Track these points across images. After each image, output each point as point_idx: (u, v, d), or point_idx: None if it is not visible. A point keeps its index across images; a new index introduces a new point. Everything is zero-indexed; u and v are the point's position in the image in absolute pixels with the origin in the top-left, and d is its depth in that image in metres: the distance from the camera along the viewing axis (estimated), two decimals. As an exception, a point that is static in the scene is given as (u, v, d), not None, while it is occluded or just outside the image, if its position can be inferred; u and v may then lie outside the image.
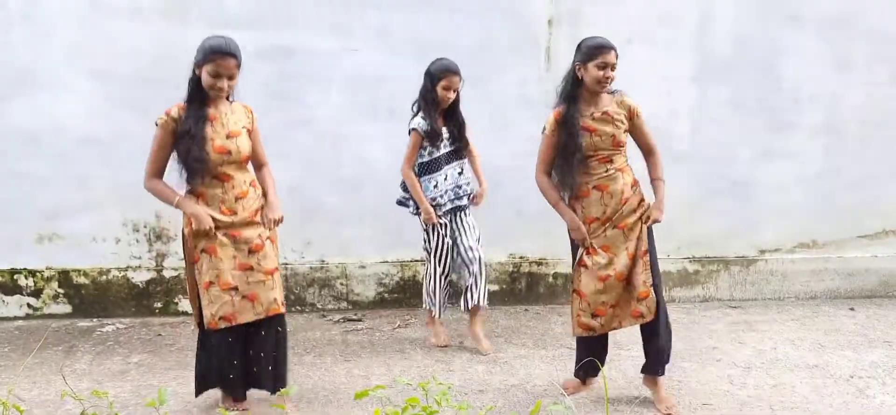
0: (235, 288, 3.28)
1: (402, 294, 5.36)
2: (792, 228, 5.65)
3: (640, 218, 3.47)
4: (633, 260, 3.46)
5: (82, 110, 4.93)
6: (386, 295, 5.34)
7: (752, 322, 5.04)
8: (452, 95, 4.26)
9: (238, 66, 3.23)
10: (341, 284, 5.33)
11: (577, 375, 3.77)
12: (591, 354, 3.55)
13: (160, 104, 4.86)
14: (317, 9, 5.01)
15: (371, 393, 2.26)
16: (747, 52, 5.38)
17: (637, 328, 3.63)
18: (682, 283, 5.59)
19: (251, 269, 3.30)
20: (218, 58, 3.16)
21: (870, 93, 5.50)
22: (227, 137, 3.28)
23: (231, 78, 3.22)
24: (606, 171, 3.45)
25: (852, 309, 5.38)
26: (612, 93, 3.51)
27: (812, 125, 5.51)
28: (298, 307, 5.29)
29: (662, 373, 3.59)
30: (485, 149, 5.18)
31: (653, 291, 3.47)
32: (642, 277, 3.45)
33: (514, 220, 5.35)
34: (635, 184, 3.52)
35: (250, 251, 3.31)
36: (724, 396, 3.77)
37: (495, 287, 5.43)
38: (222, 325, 3.29)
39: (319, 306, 5.32)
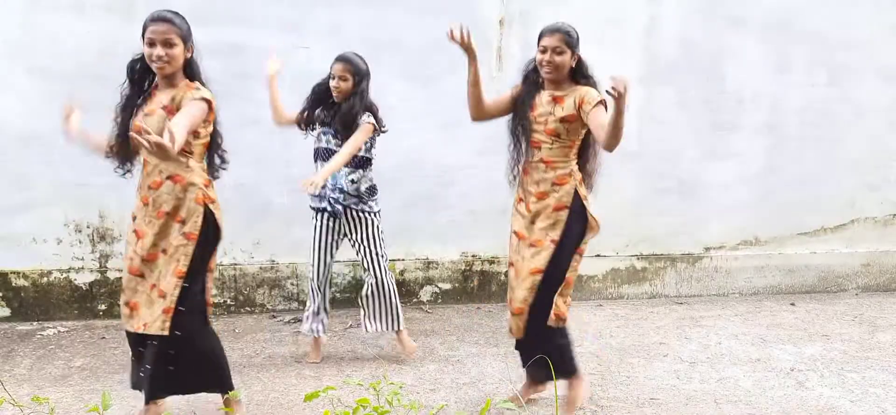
0: (123, 290, 3.10)
1: (354, 294, 5.33)
2: (735, 225, 5.81)
3: (546, 231, 3.26)
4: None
5: (22, 107, 4.77)
6: (337, 295, 5.31)
7: (697, 318, 5.17)
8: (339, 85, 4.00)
9: (179, 35, 2.93)
10: (292, 284, 5.27)
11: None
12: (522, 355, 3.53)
13: (104, 101, 4.76)
14: (267, 5, 4.95)
15: (322, 394, 2.24)
16: (692, 54, 5.50)
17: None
18: (630, 279, 5.70)
19: (142, 276, 3.06)
20: (151, 24, 2.91)
21: (809, 94, 5.69)
22: (145, 115, 3.00)
23: (167, 44, 2.90)
24: (532, 156, 3.31)
25: (793, 304, 5.56)
26: (583, 83, 3.30)
27: (754, 125, 5.68)
28: (248, 308, 5.22)
29: (541, 382, 3.52)
30: (436, 148, 5.22)
31: (527, 312, 3.29)
32: (520, 293, 3.30)
33: (466, 219, 5.38)
34: (559, 184, 3.26)
35: (144, 260, 3.04)
36: (671, 390, 3.85)
37: (448, 286, 5.45)
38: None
39: (269, 307, 5.26)
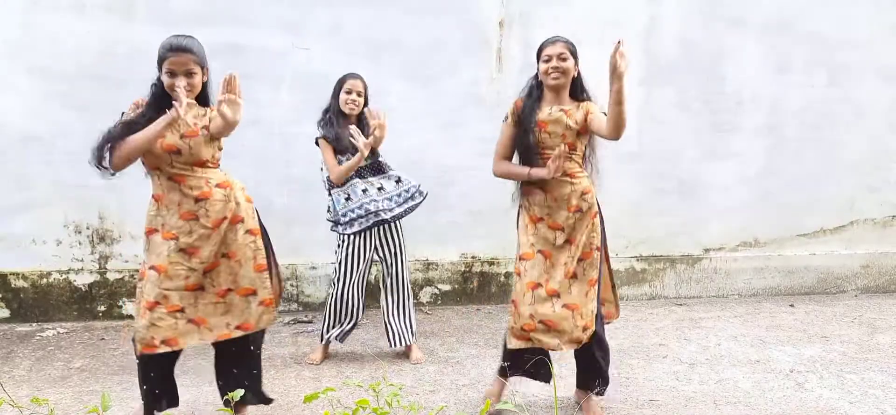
0: (182, 310, 2.99)
1: (354, 295, 5.33)
2: (735, 226, 5.81)
3: (590, 241, 3.27)
4: (571, 279, 3.24)
5: (22, 108, 4.77)
6: (337, 296, 5.31)
7: (696, 319, 5.17)
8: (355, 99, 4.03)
9: (197, 62, 2.96)
10: (291, 285, 5.27)
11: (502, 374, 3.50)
12: (517, 361, 3.39)
13: (103, 101, 4.77)
14: (267, 6, 4.95)
15: (321, 395, 2.24)
16: (692, 55, 5.51)
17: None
18: (629, 281, 5.70)
19: (202, 289, 3.03)
20: (170, 55, 2.91)
21: (808, 95, 5.70)
22: (182, 136, 2.95)
23: (189, 74, 2.92)
24: None
25: (792, 305, 5.56)
26: (583, 99, 3.31)
27: (754, 126, 5.68)
28: (248, 309, 5.22)
29: (593, 390, 3.45)
30: (436, 149, 5.22)
31: (595, 319, 3.28)
32: (590, 306, 3.25)
33: (466, 219, 5.38)
34: (586, 193, 3.27)
35: (205, 272, 3.02)
36: (670, 392, 3.85)
37: (447, 287, 5.45)
38: (163, 348, 2.99)
39: (269, 308, 5.26)
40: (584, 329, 3.26)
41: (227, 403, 2.53)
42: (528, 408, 3.57)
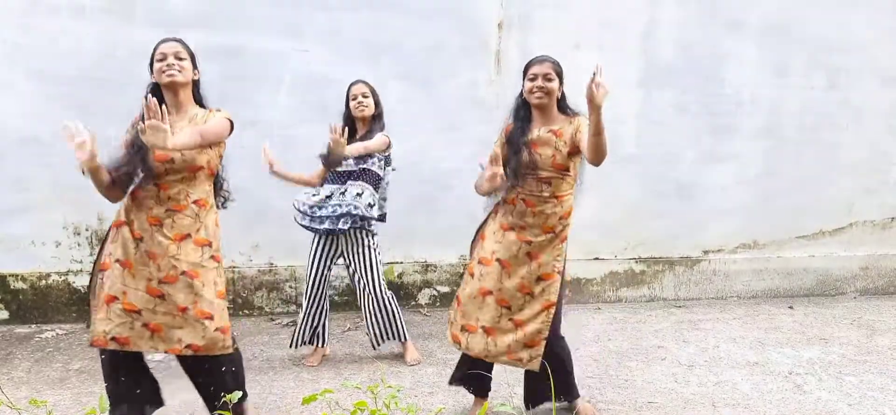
0: (139, 312, 2.94)
1: (352, 297, 5.33)
2: (734, 228, 5.81)
3: (553, 262, 3.23)
4: (525, 295, 3.23)
5: (21, 110, 4.78)
6: (335, 298, 5.31)
7: (695, 321, 5.17)
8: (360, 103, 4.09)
9: (186, 50, 2.97)
10: (290, 287, 5.27)
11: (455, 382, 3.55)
12: (473, 367, 3.39)
13: (103, 104, 4.78)
14: (265, 9, 4.96)
15: (319, 397, 2.24)
16: (691, 58, 5.51)
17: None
18: (628, 283, 5.70)
19: (162, 298, 2.95)
20: (159, 44, 2.94)
21: (807, 97, 5.69)
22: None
23: (177, 56, 2.91)
24: (540, 190, 3.20)
25: (791, 307, 5.56)
26: (573, 114, 3.26)
27: (752, 128, 5.68)
28: (246, 311, 5.23)
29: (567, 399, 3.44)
30: (435, 151, 5.23)
31: (544, 343, 3.22)
32: (537, 326, 3.22)
33: (464, 222, 5.35)
34: (565, 218, 3.23)
35: (161, 281, 2.94)
36: (669, 394, 3.85)
37: (446, 289, 5.45)
38: (113, 346, 2.95)
39: (267, 310, 5.26)
40: (527, 347, 3.22)
41: (224, 405, 2.53)
42: (526, 412, 3.57)
